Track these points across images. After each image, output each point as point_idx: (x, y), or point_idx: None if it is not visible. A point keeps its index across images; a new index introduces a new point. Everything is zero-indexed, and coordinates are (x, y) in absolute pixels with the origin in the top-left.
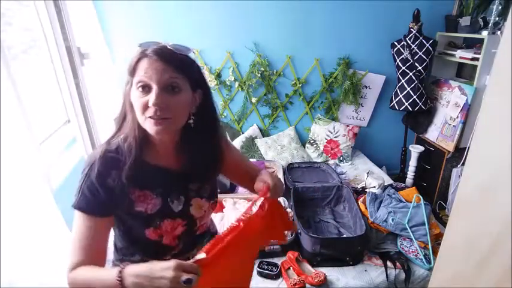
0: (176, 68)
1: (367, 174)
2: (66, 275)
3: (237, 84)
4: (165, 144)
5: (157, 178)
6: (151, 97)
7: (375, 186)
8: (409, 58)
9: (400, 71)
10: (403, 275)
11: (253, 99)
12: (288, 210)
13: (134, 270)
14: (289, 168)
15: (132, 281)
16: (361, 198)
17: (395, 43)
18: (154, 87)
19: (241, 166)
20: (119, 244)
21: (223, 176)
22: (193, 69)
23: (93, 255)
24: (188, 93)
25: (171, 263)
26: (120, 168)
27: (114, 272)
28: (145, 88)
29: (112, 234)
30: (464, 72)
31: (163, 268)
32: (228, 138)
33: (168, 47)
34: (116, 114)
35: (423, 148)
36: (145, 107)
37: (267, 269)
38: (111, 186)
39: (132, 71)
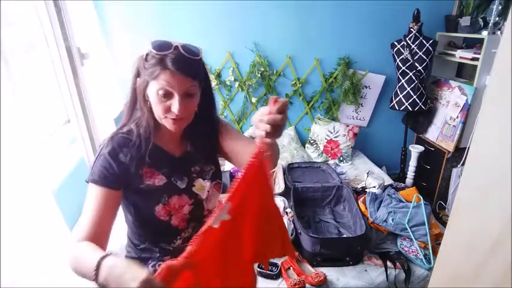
0: (193, 77)
1: (367, 174)
2: (71, 245)
3: (237, 84)
4: (173, 133)
5: (164, 160)
6: (175, 105)
7: (375, 186)
8: (409, 58)
9: (400, 71)
10: (403, 275)
11: (253, 99)
12: (288, 210)
13: (110, 263)
14: (289, 168)
15: (105, 272)
16: (361, 198)
17: (395, 43)
18: (177, 96)
19: (239, 145)
20: (129, 233)
21: (224, 174)
22: (202, 69)
23: (99, 225)
24: (199, 92)
25: (142, 274)
26: (131, 147)
27: (96, 258)
28: (167, 95)
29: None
30: (464, 72)
31: (133, 276)
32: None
33: (181, 52)
34: (125, 104)
35: (423, 148)
36: (168, 110)
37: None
38: (122, 161)
39: (154, 77)
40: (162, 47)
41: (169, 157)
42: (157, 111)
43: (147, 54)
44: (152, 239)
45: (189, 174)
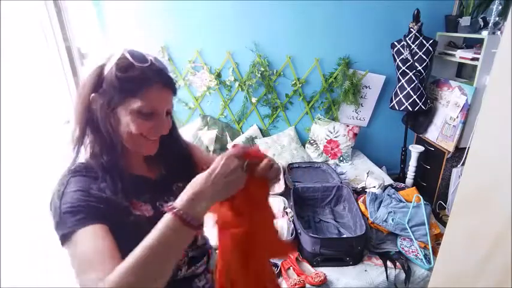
0: (175, 93)
1: (367, 174)
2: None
3: (237, 84)
4: (138, 155)
5: (139, 186)
6: (162, 125)
7: (375, 186)
8: (409, 58)
9: (400, 71)
10: (403, 275)
11: (253, 99)
12: (288, 210)
13: (183, 198)
14: (289, 168)
15: (190, 205)
16: (361, 198)
17: (395, 43)
18: (161, 115)
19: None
20: None
21: None
22: None
23: (118, 259)
24: None
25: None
26: (98, 183)
27: (165, 216)
28: (150, 114)
29: None
30: (464, 72)
31: (227, 161)
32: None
33: (159, 65)
34: (71, 138)
35: (423, 148)
36: (149, 130)
37: None
38: (96, 194)
39: (133, 94)
40: (140, 58)
41: (144, 181)
42: (133, 130)
43: (121, 65)
44: None
45: (173, 195)
